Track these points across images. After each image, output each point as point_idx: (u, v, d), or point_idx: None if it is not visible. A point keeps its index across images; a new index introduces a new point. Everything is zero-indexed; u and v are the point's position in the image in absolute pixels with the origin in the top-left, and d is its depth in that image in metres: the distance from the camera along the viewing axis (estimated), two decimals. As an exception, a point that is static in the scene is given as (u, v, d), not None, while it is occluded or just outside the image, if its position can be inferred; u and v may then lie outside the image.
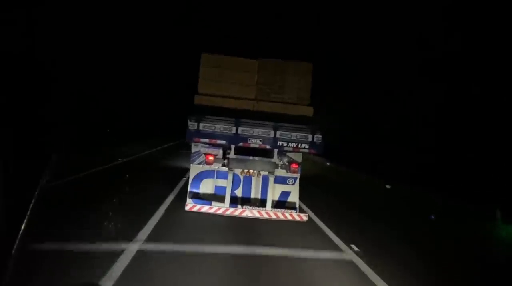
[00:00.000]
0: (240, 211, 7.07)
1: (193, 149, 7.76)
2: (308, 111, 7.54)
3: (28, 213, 2.27)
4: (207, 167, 7.72)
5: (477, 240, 7.36)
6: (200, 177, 7.76)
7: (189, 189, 7.66)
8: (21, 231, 2.23)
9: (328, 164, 18.19)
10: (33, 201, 2.32)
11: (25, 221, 2.26)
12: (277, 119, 7.15)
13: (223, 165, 7.50)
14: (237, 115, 7.08)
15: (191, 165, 7.81)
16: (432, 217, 8.04)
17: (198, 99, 7.52)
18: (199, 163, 7.71)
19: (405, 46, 14.31)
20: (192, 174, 7.75)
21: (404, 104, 14.35)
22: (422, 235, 7.75)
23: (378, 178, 13.47)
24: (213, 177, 7.77)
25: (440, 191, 10.09)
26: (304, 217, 7.16)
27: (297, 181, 7.83)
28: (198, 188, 7.72)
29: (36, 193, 2.38)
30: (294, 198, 7.77)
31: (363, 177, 14.91)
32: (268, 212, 7.11)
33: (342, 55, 19.12)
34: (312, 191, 10.59)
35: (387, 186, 12.22)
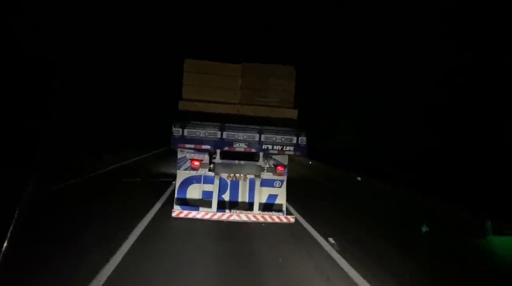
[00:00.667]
0: (228, 215, 7.08)
1: (179, 155, 7.76)
2: (293, 114, 7.61)
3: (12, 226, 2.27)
4: (193, 173, 7.73)
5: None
6: (186, 182, 7.76)
7: (176, 196, 7.65)
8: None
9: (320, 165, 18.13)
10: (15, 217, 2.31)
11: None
12: (262, 123, 7.21)
13: (210, 170, 7.53)
14: (222, 120, 7.12)
15: (177, 171, 7.81)
16: (424, 229, 7.77)
17: (182, 105, 7.53)
18: (185, 169, 7.72)
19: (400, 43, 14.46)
20: (178, 180, 7.75)
21: (404, 105, 14.45)
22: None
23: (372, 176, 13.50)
24: (200, 182, 7.78)
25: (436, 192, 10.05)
26: (291, 219, 7.21)
27: (284, 184, 7.88)
28: (185, 194, 7.72)
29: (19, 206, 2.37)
30: (281, 200, 7.82)
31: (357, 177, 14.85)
32: (255, 215, 7.14)
33: (331, 54, 19.29)
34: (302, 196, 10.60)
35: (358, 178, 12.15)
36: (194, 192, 7.73)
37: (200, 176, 7.74)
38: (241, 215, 7.11)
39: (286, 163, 7.77)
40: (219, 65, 7.74)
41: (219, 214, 7.08)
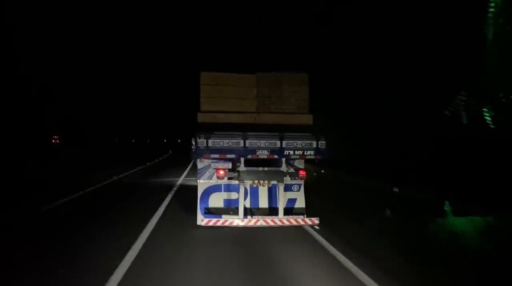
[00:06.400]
0: (255, 221, 7.26)
1: (199, 165, 7.92)
2: (308, 119, 7.91)
3: None
4: (213, 182, 7.89)
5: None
6: (208, 192, 7.91)
7: (199, 205, 7.78)
8: None
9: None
10: None
11: None
12: (279, 130, 7.45)
13: (232, 178, 7.69)
14: (240, 130, 7.33)
15: (198, 181, 7.95)
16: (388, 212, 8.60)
17: (201, 117, 7.73)
18: (207, 178, 7.88)
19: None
20: (200, 190, 7.89)
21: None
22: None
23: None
24: (221, 191, 7.95)
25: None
26: (316, 221, 7.44)
27: (302, 187, 8.12)
28: (207, 203, 7.86)
29: None
30: (301, 203, 8.03)
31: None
32: (281, 220, 7.34)
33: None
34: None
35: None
36: (216, 201, 7.88)
37: (221, 184, 7.91)
38: (267, 220, 7.31)
39: (303, 166, 8.03)
40: (234, 76, 7.99)
41: (246, 220, 7.26)
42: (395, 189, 11.09)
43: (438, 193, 9.62)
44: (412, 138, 14.18)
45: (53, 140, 43.79)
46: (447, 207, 8.45)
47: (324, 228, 7.60)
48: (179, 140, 60.04)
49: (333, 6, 20.42)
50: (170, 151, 51.19)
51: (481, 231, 7.27)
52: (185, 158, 23.67)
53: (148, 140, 76.24)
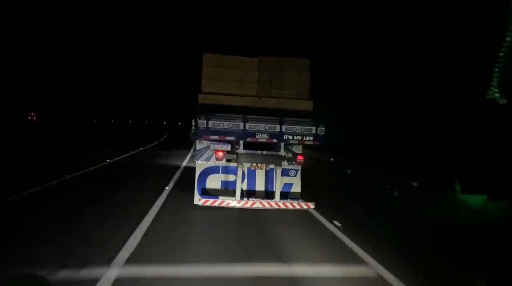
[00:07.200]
0: (252, 203, 7.37)
1: (198, 146, 8.00)
2: (308, 105, 7.95)
3: None
4: (211, 163, 7.98)
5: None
6: (206, 173, 8.01)
7: (196, 185, 7.88)
8: None
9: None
10: None
11: None
12: (279, 114, 7.50)
13: (230, 160, 7.77)
14: (240, 113, 7.38)
15: (196, 162, 8.03)
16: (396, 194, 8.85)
17: (202, 98, 7.77)
18: (205, 160, 7.96)
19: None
20: (198, 171, 7.99)
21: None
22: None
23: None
24: (218, 172, 8.04)
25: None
26: (312, 205, 7.56)
27: (299, 172, 8.23)
28: (204, 183, 7.96)
29: None
30: (297, 188, 8.16)
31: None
32: (277, 203, 7.45)
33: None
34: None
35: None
36: (213, 182, 7.99)
37: (219, 166, 7.99)
38: (263, 202, 7.42)
39: (301, 152, 8.11)
40: (236, 59, 8.00)
41: (242, 202, 7.36)
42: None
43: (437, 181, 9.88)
44: (411, 138, 14.25)
45: (29, 117, 40.54)
46: (457, 186, 8.69)
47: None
48: (179, 123, 58.77)
49: (333, 6, 20.18)
50: (166, 135, 41.08)
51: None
52: (184, 146, 21.18)
53: (146, 122, 75.53)
